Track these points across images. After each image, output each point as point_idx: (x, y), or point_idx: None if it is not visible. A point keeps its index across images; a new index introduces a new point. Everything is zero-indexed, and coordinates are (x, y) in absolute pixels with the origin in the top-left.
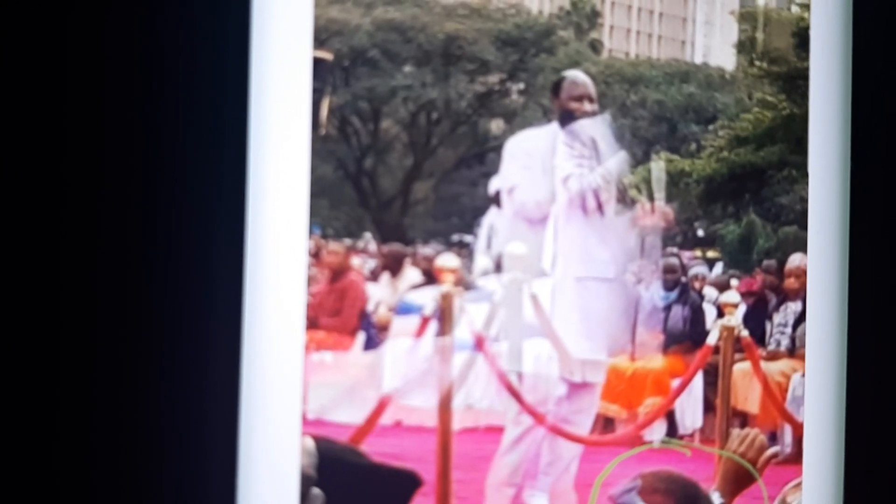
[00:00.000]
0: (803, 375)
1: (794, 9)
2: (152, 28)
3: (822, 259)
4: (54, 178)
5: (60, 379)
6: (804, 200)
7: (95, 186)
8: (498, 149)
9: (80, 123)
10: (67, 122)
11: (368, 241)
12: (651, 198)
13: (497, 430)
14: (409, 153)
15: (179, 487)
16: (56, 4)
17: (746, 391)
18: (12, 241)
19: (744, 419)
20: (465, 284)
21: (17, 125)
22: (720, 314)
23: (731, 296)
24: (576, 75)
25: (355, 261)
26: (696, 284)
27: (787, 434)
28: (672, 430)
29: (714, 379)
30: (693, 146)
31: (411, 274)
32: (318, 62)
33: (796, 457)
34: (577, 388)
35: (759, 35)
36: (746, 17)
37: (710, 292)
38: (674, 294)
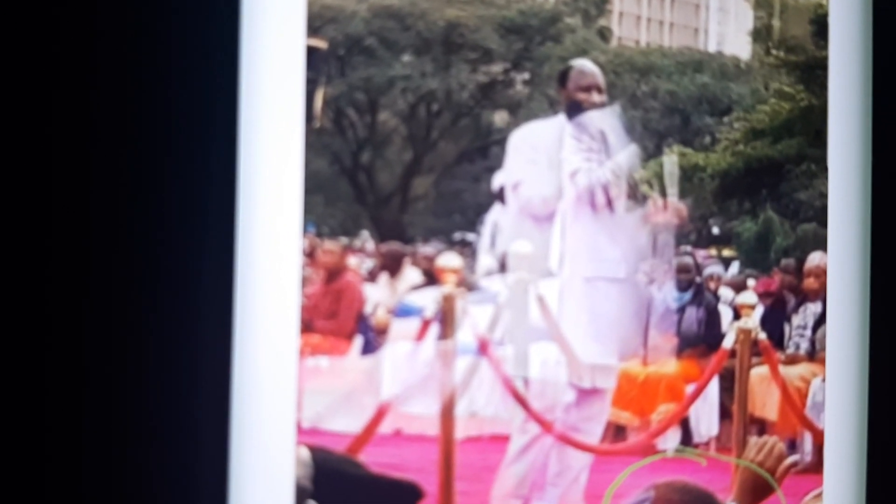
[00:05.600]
0: (824, 380)
1: None
2: (138, 15)
3: (843, 258)
4: (41, 174)
5: (48, 382)
6: (824, 196)
7: (81, 183)
8: (502, 142)
9: (68, 118)
10: (54, 116)
11: (366, 239)
12: (663, 193)
13: (502, 439)
14: (408, 147)
15: (168, 501)
16: None
17: (764, 397)
18: (1, 240)
19: (762, 426)
20: (467, 285)
21: (5, 123)
22: (736, 316)
23: (748, 297)
24: (583, 64)
25: (352, 260)
26: (711, 285)
27: (807, 442)
28: (686, 439)
29: (730, 384)
30: (707, 139)
31: (411, 274)
32: (311, 51)
33: (817, 465)
34: (586, 394)
35: (776, 22)
36: (762, 3)
37: (725, 293)
38: (688, 295)
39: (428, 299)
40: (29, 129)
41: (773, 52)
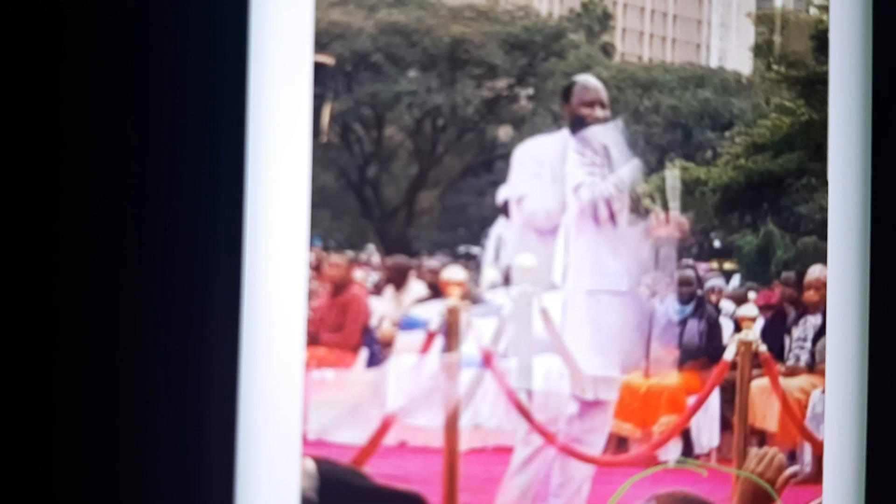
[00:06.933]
0: (823, 392)
1: (813, 11)
2: (148, 30)
3: (843, 270)
4: (50, 185)
5: (55, 384)
6: (824, 209)
7: (90, 195)
8: (506, 156)
9: (76, 132)
10: (63, 127)
11: (371, 253)
12: (665, 207)
13: (506, 451)
14: (413, 161)
15: None
16: (53, 9)
17: (765, 408)
18: (8, 241)
19: (762, 437)
20: (472, 298)
21: (13, 125)
22: (737, 328)
23: (749, 309)
24: (587, 80)
25: (358, 274)
26: (713, 297)
27: (807, 453)
28: (688, 450)
29: (731, 396)
30: (709, 153)
31: (416, 287)
32: (318, 67)
33: (816, 476)
34: (589, 406)
35: (777, 38)
36: (763, 19)
37: (726, 306)
38: (689, 308)
39: (433, 312)
40: (35, 136)
41: (774, 67)
